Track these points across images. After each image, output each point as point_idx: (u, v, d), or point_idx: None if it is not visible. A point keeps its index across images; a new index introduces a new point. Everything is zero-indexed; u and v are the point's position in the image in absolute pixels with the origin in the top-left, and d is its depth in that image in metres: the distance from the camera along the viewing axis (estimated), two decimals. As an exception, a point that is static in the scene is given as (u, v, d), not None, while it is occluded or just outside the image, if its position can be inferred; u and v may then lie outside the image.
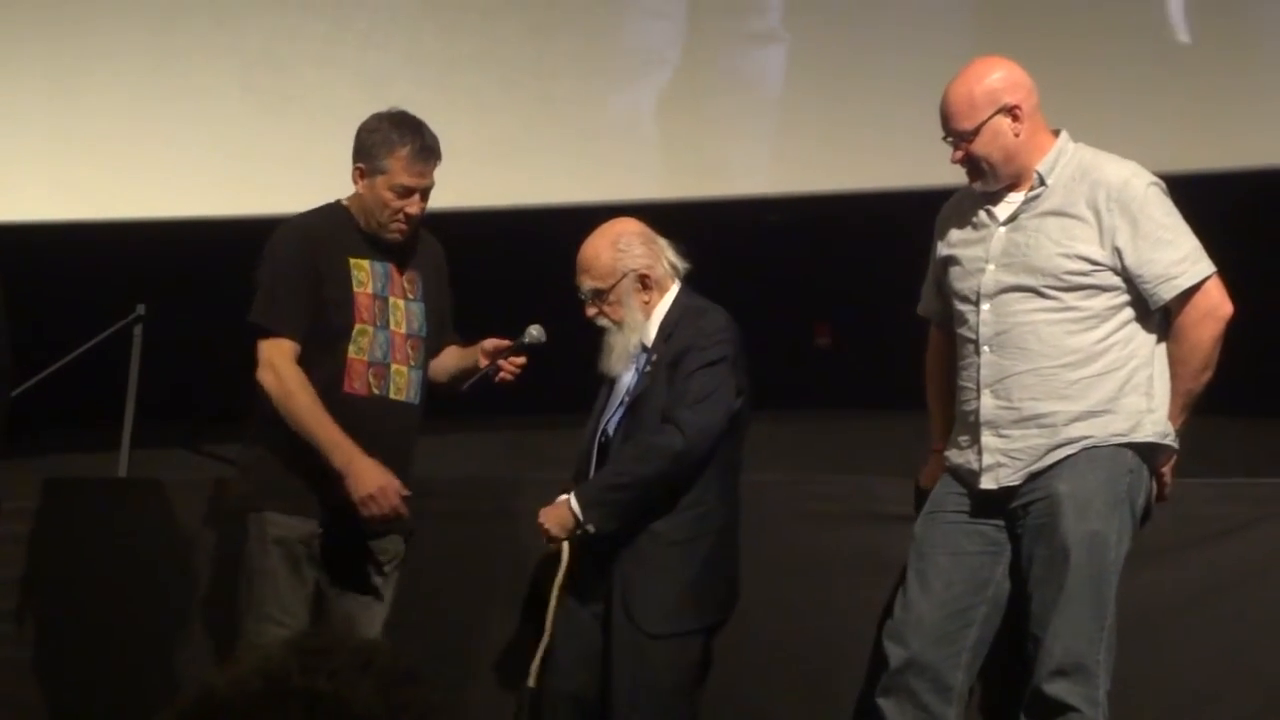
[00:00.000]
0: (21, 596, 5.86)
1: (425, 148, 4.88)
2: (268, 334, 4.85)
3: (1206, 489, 5.07)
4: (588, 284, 4.90)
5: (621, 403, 4.90)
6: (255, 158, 7.02)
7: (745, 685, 5.14)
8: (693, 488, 4.83)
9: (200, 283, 6.78)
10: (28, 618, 5.86)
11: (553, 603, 4.86)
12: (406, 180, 4.86)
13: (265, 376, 4.82)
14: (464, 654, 5.36)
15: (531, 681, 4.88)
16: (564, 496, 4.84)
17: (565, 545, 4.82)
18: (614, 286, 4.89)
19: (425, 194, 4.91)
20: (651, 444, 4.80)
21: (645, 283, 4.92)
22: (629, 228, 4.98)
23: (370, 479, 4.75)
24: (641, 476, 4.80)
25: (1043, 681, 4.41)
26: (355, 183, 4.92)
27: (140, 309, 6.81)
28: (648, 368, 4.88)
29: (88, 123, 7.16)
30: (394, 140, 4.86)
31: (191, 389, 6.91)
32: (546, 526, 4.83)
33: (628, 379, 4.91)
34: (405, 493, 4.79)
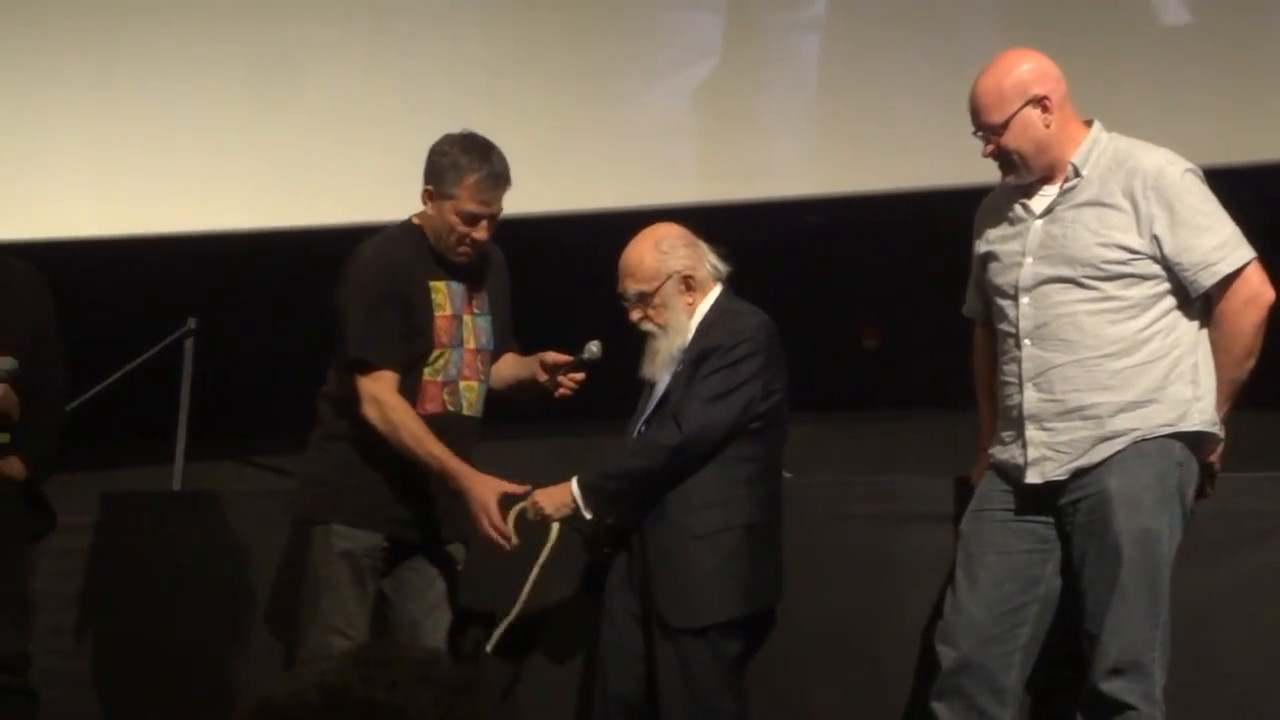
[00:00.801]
0: (79, 610, 5.90)
1: (494, 174, 4.85)
2: (367, 367, 4.85)
3: (1257, 483, 5.05)
4: (632, 288, 4.91)
5: (653, 405, 4.93)
6: (302, 168, 7.04)
7: (793, 685, 5.14)
8: (716, 484, 4.84)
9: (250, 294, 6.82)
10: (85, 632, 5.90)
11: (532, 577, 4.90)
12: (473, 208, 4.85)
13: (370, 411, 4.82)
14: (520, 656, 5.37)
15: (489, 648, 4.96)
16: (565, 482, 4.88)
17: (555, 526, 4.88)
18: (658, 289, 4.90)
19: (494, 219, 4.90)
20: (651, 438, 4.86)
21: (689, 284, 4.93)
22: (671, 231, 5.00)
23: (486, 499, 4.79)
24: (632, 469, 4.86)
25: (1099, 680, 4.39)
26: (425, 204, 4.92)
27: (191, 322, 6.84)
28: (680, 368, 4.89)
29: (135, 136, 7.19)
30: (462, 166, 4.84)
31: (243, 401, 6.94)
32: (541, 504, 4.87)
33: (666, 381, 4.93)
34: (513, 490, 4.84)
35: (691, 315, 4.93)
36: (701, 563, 4.81)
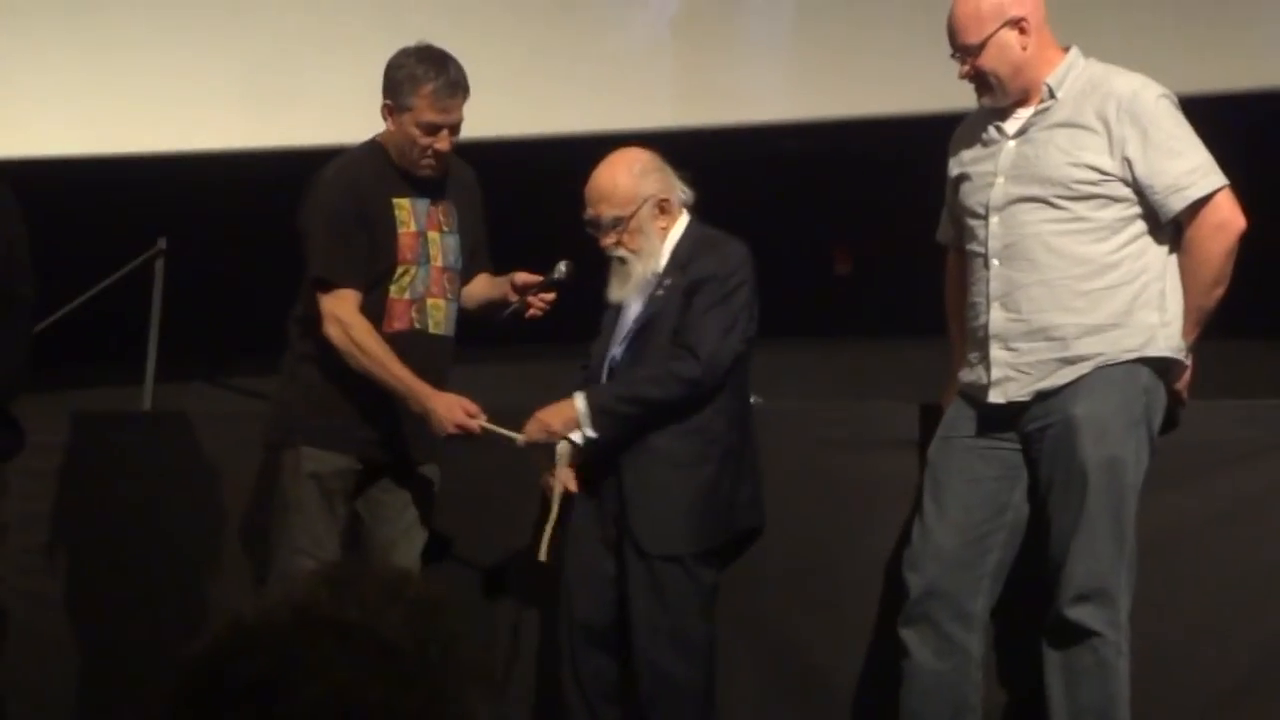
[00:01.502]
0: (50, 530, 5.89)
1: (451, 83, 4.84)
2: (329, 286, 4.84)
3: (1232, 410, 5.06)
4: (608, 212, 4.87)
5: (630, 330, 4.91)
6: (275, 90, 7.01)
7: (761, 610, 5.16)
8: (701, 412, 4.84)
9: (222, 216, 6.79)
10: (57, 551, 5.90)
11: (558, 488, 4.85)
12: (432, 117, 4.84)
13: (331, 330, 4.82)
14: (491, 578, 5.38)
15: (543, 556, 4.87)
16: (569, 399, 4.84)
17: (567, 446, 4.83)
18: (634, 214, 4.88)
19: (455, 129, 4.88)
20: (669, 369, 4.81)
21: (663, 208, 4.91)
22: (642, 155, 4.96)
23: (449, 416, 4.78)
24: (653, 399, 4.81)
25: (1065, 606, 4.42)
26: (385, 120, 4.91)
27: (162, 243, 6.81)
28: (659, 292, 4.87)
29: (107, 56, 7.15)
30: (418, 76, 4.83)
31: (214, 322, 6.93)
32: (549, 423, 4.83)
33: (636, 307, 4.91)
34: (473, 411, 4.81)
35: (664, 240, 4.92)
36: (684, 492, 4.82)
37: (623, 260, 4.89)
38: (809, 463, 5.23)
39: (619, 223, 4.87)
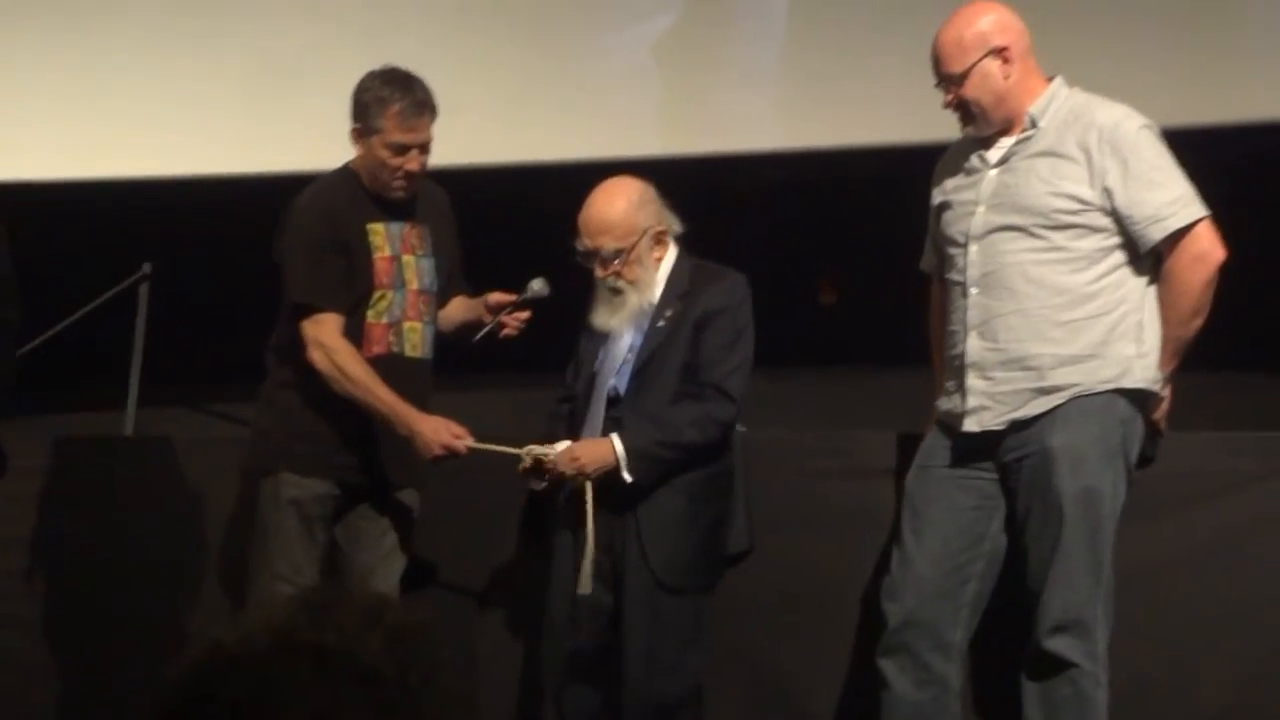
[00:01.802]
0: (31, 554, 5.88)
1: (417, 103, 4.85)
2: (310, 311, 4.84)
3: (1213, 442, 5.07)
4: (609, 244, 4.84)
5: (626, 360, 4.90)
6: (261, 116, 7.01)
7: (745, 638, 5.15)
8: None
9: (206, 241, 6.78)
10: (36, 575, 5.88)
11: (590, 522, 4.78)
12: (400, 137, 4.85)
13: (315, 356, 4.82)
14: (473, 608, 5.37)
15: (585, 588, 4.79)
16: (604, 438, 4.81)
17: (589, 485, 4.79)
18: (634, 245, 4.86)
19: (424, 148, 4.89)
20: (709, 413, 4.81)
21: (660, 239, 4.91)
22: (638, 185, 4.94)
23: (435, 438, 4.77)
24: (695, 443, 4.81)
25: (1043, 638, 4.42)
26: (354, 144, 4.92)
27: (146, 267, 6.80)
28: (660, 324, 4.87)
29: (93, 81, 7.15)
30: (385, 98, 4.84)
31: (197, 348, 6.91)
32: (584, 463, 4.79)
33: (629, 337, 4.90)
34: (459, 433, 4.80)
35: (657, 271, 4.92)
36: (701, 526, 4.84)
37: (618, 290, 4.87)
38: (792, 492, 5.23)
39: (619, 255, 4.85)
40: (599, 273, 4.86)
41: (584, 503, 4.78)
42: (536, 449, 4.83)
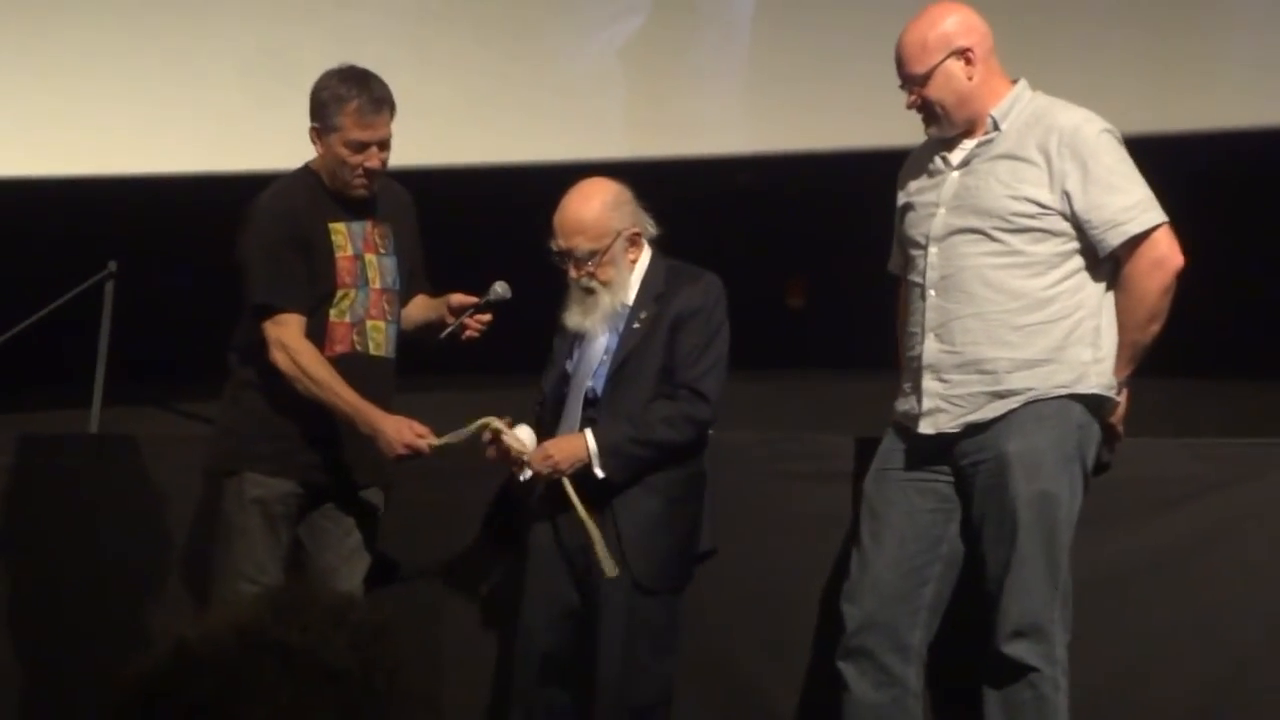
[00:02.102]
0: (-6, 552, 5.86)
1: (375, 99, 4.85)
2: (271, 312, 4.83)
3: (1177, 449, 5.08)
4: (583, 245, 4.84)
5: (602, 362, 4.90)
6: (228, 116, 7.00)
7: (711, 640, 5.16)
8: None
9: (172, 239, 6.76)
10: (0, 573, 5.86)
11: (582, 510, 4.74)
12: (359, 134, 4.84)
13: (277, 356, 4.81)
14: (439, 607, 5.37)
15: (611, 571, 4.74)
16: (578, 434, 4.80)
17: (567, 481, 4.77)
18: (609, 247, 4.86)
19: (384, 145, 4.88)
20: (685, 412, 4.81)
21: (635, 241, 4.91)
22: (614, 186, 4.93)
23: (398, 437, 4.76)
24: (670, 442, 4.81)
25: (1001, 643, 4.43)
26: (314, 143, 4.91)
27: (112, 265, 6.78)
28: (635, 325, 4.87)
29: (60, 79, 7.12)
30: (342, 96, 4.83)
31: (162, 346, 6.90)
32: (557, 460, 4.79)
33: (604, 338, 4.90)
34: (422, 432, 4.79)
35: (632, 272, 4.92)
36: (678, 527, 4.84)
37: (591, 291, 4.87)
38: (758, 494, 5.24)
39: (594, 256, 4.85)
40: (573, 273, 4.85)
41: (568, 497, 4.77)
42: (494, 421, 4.82)
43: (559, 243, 4.85)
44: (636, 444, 4.79)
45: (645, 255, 4.95)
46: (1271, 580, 4.86)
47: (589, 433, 4.80)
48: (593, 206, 4.87)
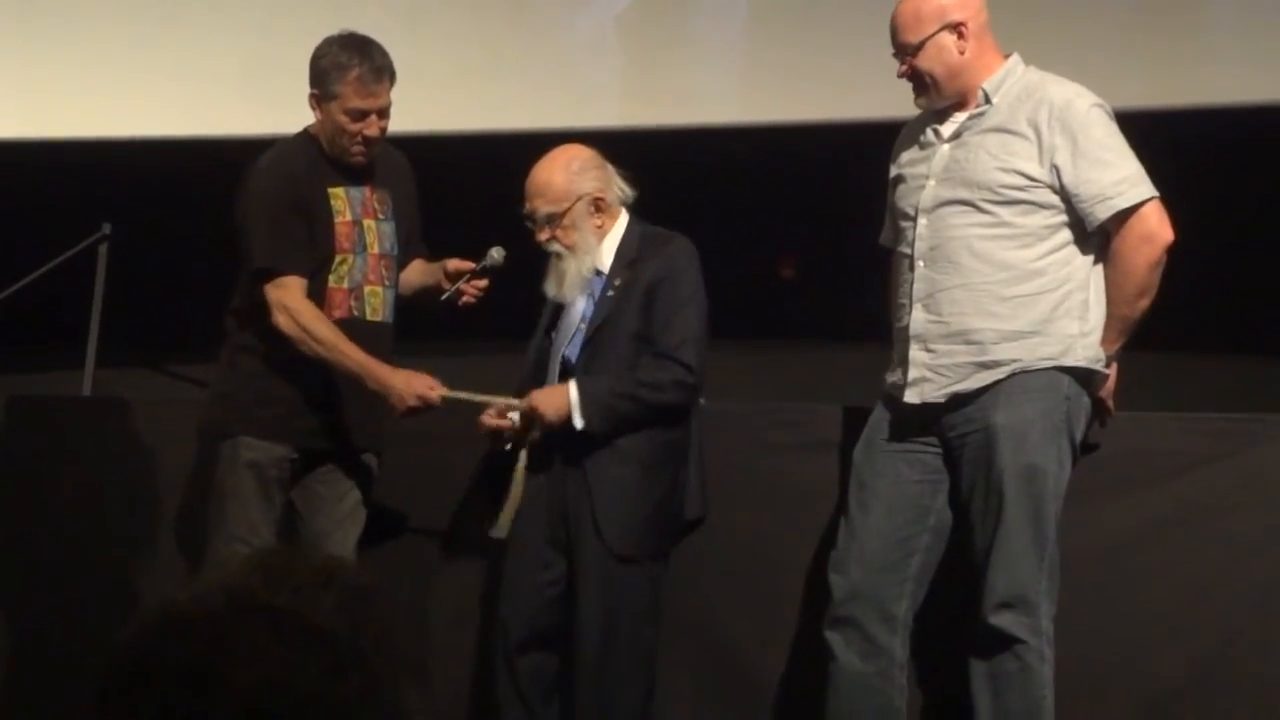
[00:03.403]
0: (-15, 514, 5.86)
1: (376, 68, 4.85)
2: (272, 275, 4.83)
3: (1167, 423, 5.09)
4: (542, 208, 4.87)
5: (578, 329, 4.91)
6: (224, 80, 6.99)
7: (697, 609, 5.17)
8: (668, 414, 4.88)
9: (166, 203, 6.76)
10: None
11: (522, 461, 4.84)
12: (358, 103, 4.85)
13: (280, 319, 4.81)
14: (428, 572, 5.38)
15: (503, 533, 4.85)
16: (561, 385, 4.82)
17: (525, 445, 4.82)
18: (568, 210, 4.88)
19: (383, 114, 4.89)
20: (670, 376, 4.82)
21: (599, 206, 4.92)
22: (580, 152, 4.97)
23: (408, 389, 4.78)
24: (652, 402, 4.82)
25: (988, 614, 4.45)
26: (313, 110, 4.92)
27: (106, 228, 6.78)
28: (610, 293, 4.88)
29: (55, 41, 7.11)
30: (342, 63, 4.84)
31: (156, 309, 6.90)
32: (541, 410, 4.80)
33: (581, 305, 4.92)
34: (432, 384, 4.81)
35: (601, 239, 4.93)
36: (651, 494, 4.86)
37: (559, 256, 4.89)
38: (748, 464, 5.24)
39: (553, 219, 4.87)
40: (537, 236, 4.88)
41: (518, 457, 4.81)
42: (502, 401, 4.85)
43: (525, 205, 4.89)
44: (618, 396, 4.80)
45: (621, 222, 4.96)
46: (1257, 554, 4.87)
47: (572, 384, 4.81)
48: (554, 170, 4.90)
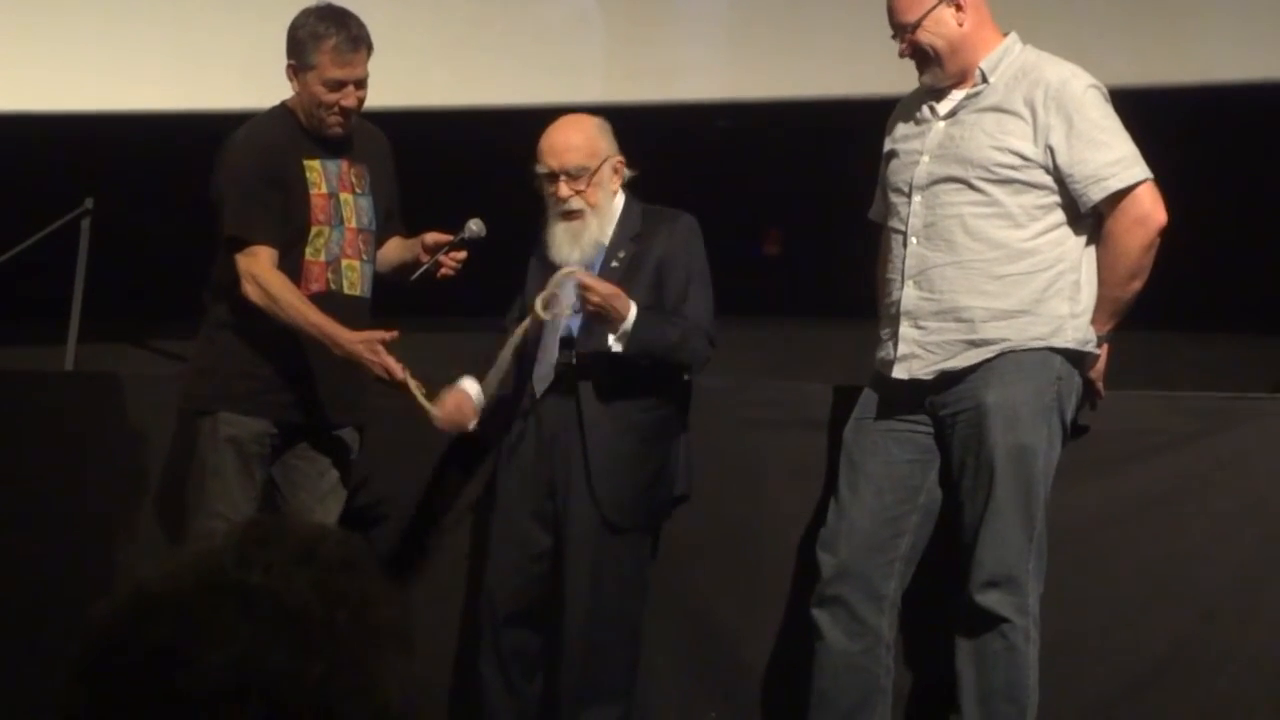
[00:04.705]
0: (-34, 489, 5.84)
1: (352, 38, 4.84)
2: (243, 245, 4.81)
3: (1153, 401, 5.10)
4: (575, 160, 4.83)
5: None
6: (208, 53, 6.97)
7: (684, 586, 5.17)
8: (662, 384, 4.89)
9: (149, 177, 6.74)
10: (-28, 510, 5.85)
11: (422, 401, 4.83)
12: (335, 73, 4.84)
13: (249, 288, 4.81)
14: (410, 548, 5.37)
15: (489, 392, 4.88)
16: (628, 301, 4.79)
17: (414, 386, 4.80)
18: (599, 167, 4.86)
19: (360, 84, 4.87)
20: (699, 336, 4.85)
21: (618, 170, 4.92)
22: (598, 119, 4.98)
23: (366, 348, 4.75)
24: (687, 347, 4.84)
25: (974, 593, 4.45)
26: (290, 81, 4.90)
27: (89, 202, 6.76)
28: (614, 265, 4.87)
29: (36, 14, 7.08)
30: (319, 33, 4.83)
31: (139, 283, 6.88)
32: (604, 297, 4.72)
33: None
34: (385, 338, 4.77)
35: (613, 204, 4.92)
36: (649, 466, 4.88)
37: (577, 214, 4.84)
38: (734, 441, 5.24)
39: (584, 172, 4.84)
40: (563, 192, 4.82)
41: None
42: (412, 383, 4.81)
43: (549, 163, 4.84)
44: (669, 325, 4.80)
45: (622, 195, 4.95)
46: (1241, 531, 4.88)
47: (634, 306, 4.76)
48: (584, 126, 4.91)
